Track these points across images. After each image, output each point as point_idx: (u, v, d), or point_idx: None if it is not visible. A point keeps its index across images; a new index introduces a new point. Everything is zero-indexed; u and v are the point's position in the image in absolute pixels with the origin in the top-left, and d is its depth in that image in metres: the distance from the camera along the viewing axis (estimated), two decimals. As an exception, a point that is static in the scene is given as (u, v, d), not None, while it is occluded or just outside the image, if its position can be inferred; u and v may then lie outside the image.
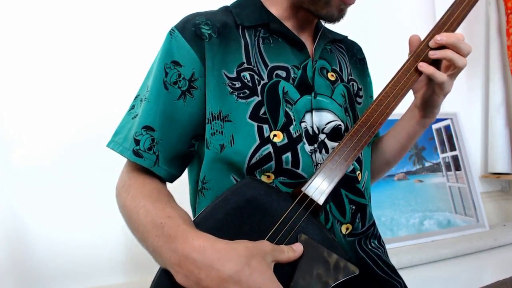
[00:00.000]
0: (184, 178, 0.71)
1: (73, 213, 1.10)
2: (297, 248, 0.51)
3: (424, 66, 0.62)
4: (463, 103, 1.73)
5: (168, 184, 0.67)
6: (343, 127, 0.66)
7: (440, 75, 0.61)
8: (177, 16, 0.68)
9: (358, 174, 0.66)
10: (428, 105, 0.69)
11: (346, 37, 0.81)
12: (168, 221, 0.52)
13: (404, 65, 0.63)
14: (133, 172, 0.64)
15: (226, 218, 0.52)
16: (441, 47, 0.61)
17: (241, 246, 0.47)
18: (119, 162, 0.67)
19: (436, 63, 0.63)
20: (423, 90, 0.68)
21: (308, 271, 0.51)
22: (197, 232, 0.50)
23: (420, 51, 0.63)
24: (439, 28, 0.63)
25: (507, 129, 1.72)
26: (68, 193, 1.10)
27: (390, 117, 0.61)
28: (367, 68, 0.84)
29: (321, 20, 0.69)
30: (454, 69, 0.63)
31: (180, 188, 0.72)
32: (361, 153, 0.68)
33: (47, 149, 1.11)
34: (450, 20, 0.64)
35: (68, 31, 1.14)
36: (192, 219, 0.55)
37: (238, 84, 0.62)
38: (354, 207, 0.65)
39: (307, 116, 0.63)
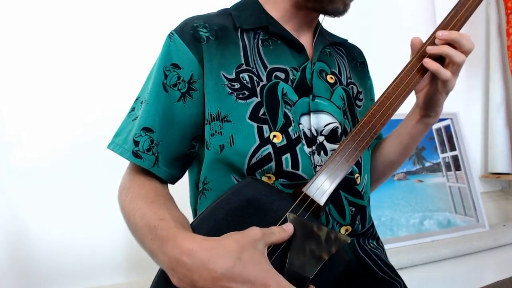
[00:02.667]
0: (185, 178, 0.71)
1: (73, 213, 1.10)
2: (288, 228, 0.51)
3: (429, 62, 0.61)
4: (463, 103, 1.73)
5: (168, 185, 0.67)
6: (340, 130, 0.66)
7: (445, 72, 0.61)
8: (177, 20, 0.68)
9: (357, 177, 0.66)
10: (431, 104, 0.68)
11: (346, 40, 0.81)
12: (161, 223, 0.52)
13: (406, 66, 0.63)
14: (134, 174, 0.64)
15: (227, 218, 0.52)
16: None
17: (230, 241, 0.47)
18: (119, 162, 0.67)
19: (439, 61, 0.63)
20: (425, 90, 0.68)
21: (301, 249, 0.51)
22: (186, 234, 0.49)
23: (423, 52, 0.63)
24: (442, 28, 0.63)
25: (507, 129, 1.72)
26: (68, 193, 1.10)
27: (393, 118, 0.61)
28: (367, 72, 0.84)
29: (326, 15, 0.69)
30: (453, 66, 0.63)
31: (181, 188, 0.72)
32: (361, 157, 0.68)
33: (47, 149, 1.11)
34: (454, 21, 0.64)
35: (68, 32, 1.14)
36: (193, 220, 0.55)
37: (237, 85, 0.62)
38: (353, 209, 0.65)
39: (304, 119, 0.63)
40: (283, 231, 0.51)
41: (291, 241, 0.51)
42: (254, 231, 0.49)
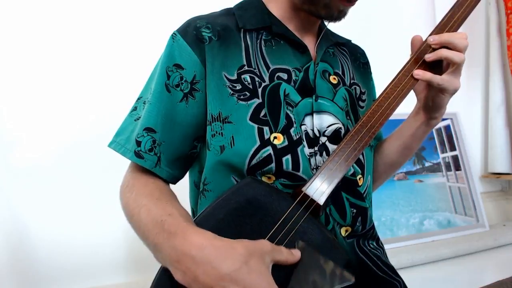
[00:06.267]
0: (185, 179, 0.71)
1: (73, 213, 1.10)
2: (296, 253, 0.51)
3: (420, 74, 0.61)
4: (463, 103, 1.73)
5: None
6: (343, 130, 0.66)
7: (437, 79, 0.61)
8: (179, 19, 0.68)
9: (360, 178, 0.66)
10: (434, 106, 0.67)
11: (350, 41, 0.81)
12: (169, 218, 0.52)
13: (405, 66, 0.63)
14: (136, 172, 0.64)
15: (227, 218, 0.52)
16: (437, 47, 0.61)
17: (240, 245, 0.47)
18: (119, 162, 0.67)
19: (438, 63, 0.62)
20: (426, 91, 0.67)
21: (304, 278, 0.51)
22: (197, 229, 0.50)
23: (421, 52, 0.63)
24: (440, 29, 0.63)
25: (507, 129, 1.72)
26: (68, 193, 1.10)
27: (392, 117, 0.61)
28: (370, 72, 0.84)
29: (322, 19, 0.69)
30: (453, 66, 0.62)
31: (180, 188, 0.72)
32: (364, 157, 0.68)
33: (47, 149, 1.11)
34: (452, 21, 0.64)
35: (69, 32, 1.14)
36: (192, 220, 0.55)
37: (238, 86, 0.62)
38: (355, 211, 0.65)
39: (307, 119, 0.63)
40: (291, 254, 0.51)
41: (296, 267, 0.51)
42: (265, 244, 0.49)
